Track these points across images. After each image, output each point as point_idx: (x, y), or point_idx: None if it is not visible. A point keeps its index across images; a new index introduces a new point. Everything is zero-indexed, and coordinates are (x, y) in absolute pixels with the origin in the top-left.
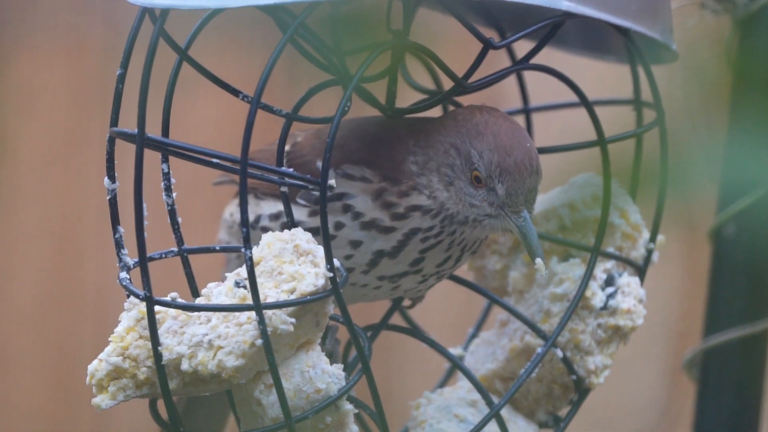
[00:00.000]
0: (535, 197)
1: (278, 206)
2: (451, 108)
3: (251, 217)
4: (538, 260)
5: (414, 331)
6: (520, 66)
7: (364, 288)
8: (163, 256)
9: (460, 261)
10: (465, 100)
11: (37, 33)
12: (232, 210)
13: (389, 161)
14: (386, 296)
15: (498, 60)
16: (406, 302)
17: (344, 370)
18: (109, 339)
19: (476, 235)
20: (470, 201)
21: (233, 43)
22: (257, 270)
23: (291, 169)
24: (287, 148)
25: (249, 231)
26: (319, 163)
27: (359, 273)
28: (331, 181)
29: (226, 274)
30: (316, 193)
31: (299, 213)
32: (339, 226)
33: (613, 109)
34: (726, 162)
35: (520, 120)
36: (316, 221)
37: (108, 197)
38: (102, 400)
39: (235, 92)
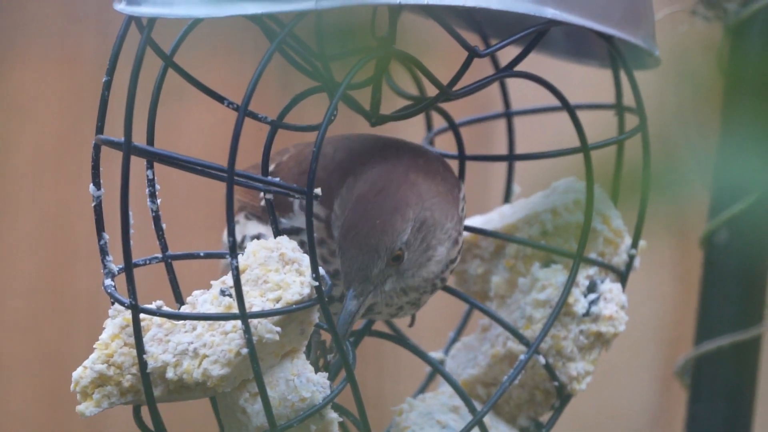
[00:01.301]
0: (371, 275)
1: (259, 228)
2: (435, 115)
3: (238, 237)
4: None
5: (396, 336)
6: (504, 73)
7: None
8: (148, 262)
9: (418, 305)
10: (449, 106)
11: (30, 41)
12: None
13: (332, 198)
14: (369, 318)
15: (482, 66)
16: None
17: (328, 373)
18: (94, 346)
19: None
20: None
21: (225, 51)
22: (242, 278)
23: (277, 179)
24: (271, 167)
25: (235, 240)
26: (291, 200)
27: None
28: (317, 190)
29: (212, 282)
30: (283, 221)
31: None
32: None
33: (596, 114)
34: (717, 168)
35: (502, 124)
36: None
37: (93, 204)
38: (86, 407)
39: (220, 99)
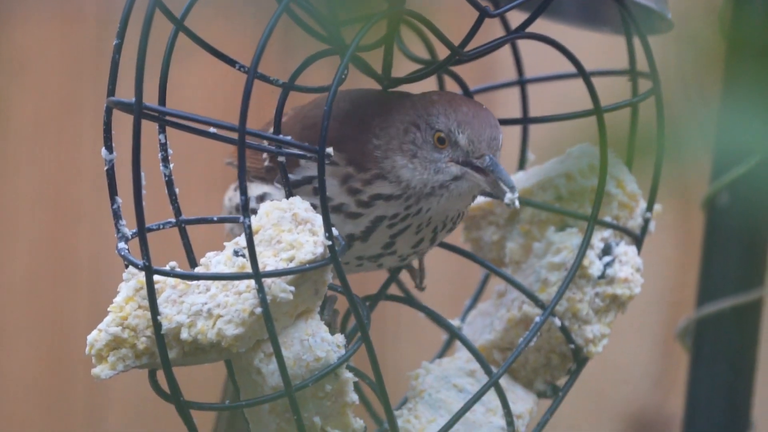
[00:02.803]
0: (499, 147)
1: (263, 188)
2: (447, 78)
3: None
4: (508, 196)
5: (412, 301)
6: (517, 35)
7: (347, 266)
8: (161, 227)
9: (435, 241)
10: (460, 69)
11: (31, 1)
12: (230, 195)
13: (355, 142)
14: (372, 269)
15: (493, 31)
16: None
17: (342, 334)
18: (108, 309)
19: (445, 207)
20: (435, 167)
21: (228, 13)
22: (256, 239)
23: (289, 137)
24: (271, 131)
25: (248, 199)
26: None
27: None
28: (329, 149)
29: (225, 243)
30: (290, 175)
31: (278, 196)
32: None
33: (608, 79)
34: (719, 131)
35: (515, 91)
36: None
37: (105, 168)
38: (102, 370)
39: (231, 62)
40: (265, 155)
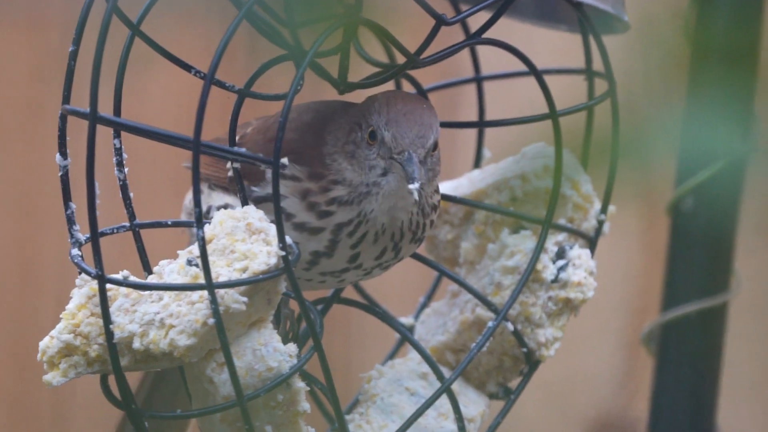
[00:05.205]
0: (426, 145)
1: (225, 198)
2: (405, 82)
3: (203, 207)
4: (410, 186)
5: (364, 304)
6: (471, 41)
7: (309, 282)
8: (115, 231)
9: (399, 252)
10: (418, 73)
11: None
12: (190, 197)
13: (315, 152)
14: (334, 287)
15: (452, 31)
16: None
17: (296, 344)
18: (60, 316)
19: (386, 209)
20: (368, 164)
21: (191, 18)
22: (209, 248)
23: (243, 149)
24: (237, 138)
25: (201, 210)
26: (262, 169)
27: (301, 270)
28: (284, 160)
29: (179, 252)
30: (255, 189)
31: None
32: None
33: (566, 81)
34: (684, 135)
35: (472, 89)
36: None
37: (60, 173)
38: (53, 377)
39: (187, 68)
40: (229, 165)
